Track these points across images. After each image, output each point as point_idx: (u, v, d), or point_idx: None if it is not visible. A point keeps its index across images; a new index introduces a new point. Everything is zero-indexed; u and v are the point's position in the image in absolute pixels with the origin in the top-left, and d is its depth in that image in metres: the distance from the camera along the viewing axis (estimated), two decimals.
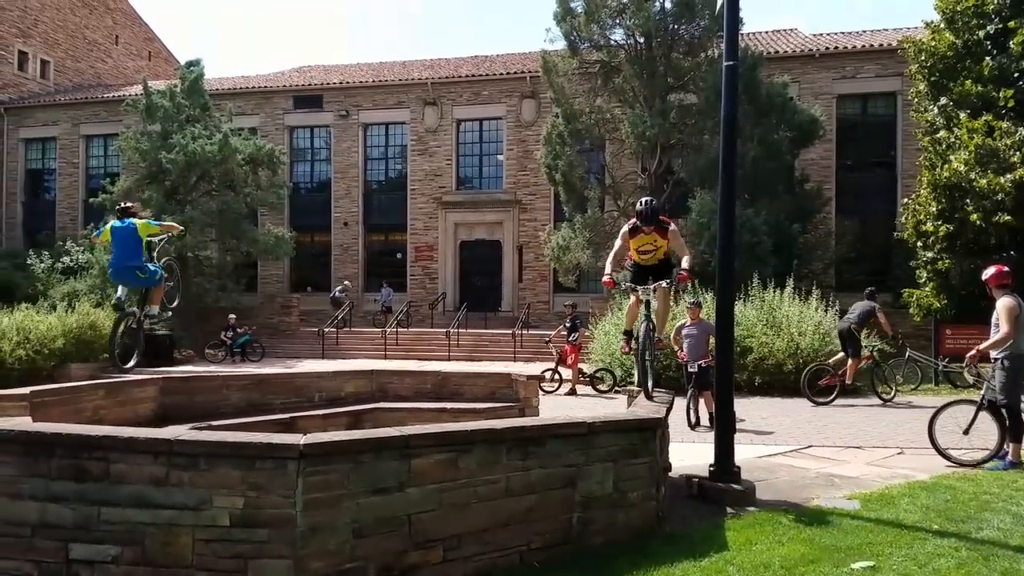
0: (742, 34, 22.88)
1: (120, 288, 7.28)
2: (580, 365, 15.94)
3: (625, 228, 6.84)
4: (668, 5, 21.45)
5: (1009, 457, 7.37)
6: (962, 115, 16.03)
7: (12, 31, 32.72)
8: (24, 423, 4.72)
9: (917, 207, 16.55)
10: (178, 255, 22.31)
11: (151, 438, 4.11)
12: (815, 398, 12.73)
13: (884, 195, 24.66)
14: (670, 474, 6.22)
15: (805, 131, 21.42)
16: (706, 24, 21.10)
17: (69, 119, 32.34)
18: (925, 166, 16.64)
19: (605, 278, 6.93)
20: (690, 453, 7.63)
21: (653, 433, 5.32)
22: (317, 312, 27.25)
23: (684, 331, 10.85)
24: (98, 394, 6.91)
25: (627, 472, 5.05)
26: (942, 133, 16.43)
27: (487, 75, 28.62)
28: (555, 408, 11.31)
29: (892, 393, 13.12)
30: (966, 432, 7.65)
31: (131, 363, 7.32)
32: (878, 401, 12.94)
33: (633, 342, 7.09)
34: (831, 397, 12.76)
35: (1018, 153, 14.99)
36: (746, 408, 11.40)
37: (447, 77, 29.06)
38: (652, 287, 6.82)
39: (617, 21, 21.69)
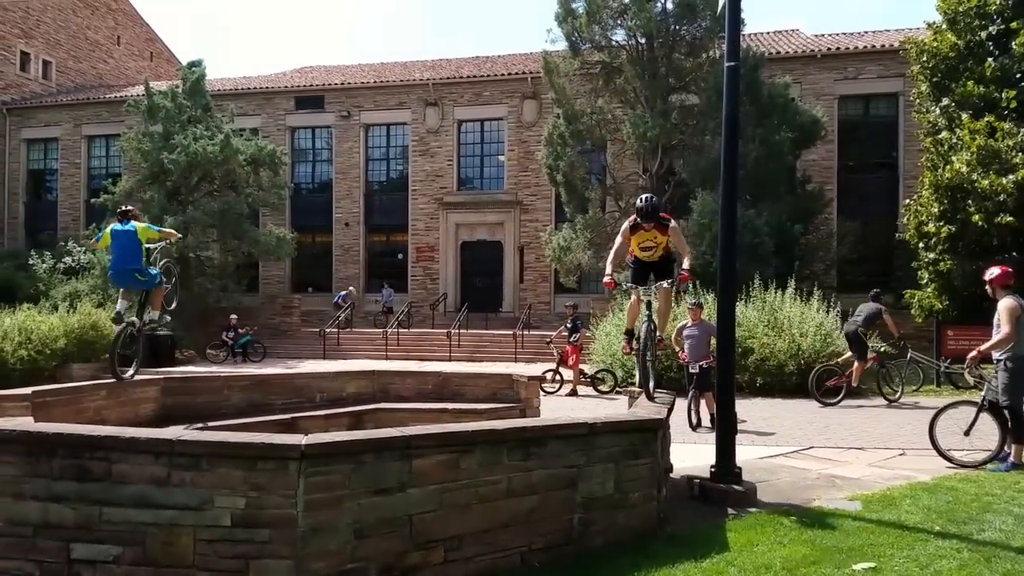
0: (744, 35, 22.88)
1: (120, 301, 7.32)
2: (581, 366, 15.93)
3: (626, 225, 6.82)
4: (669, 6, 21.47)
5: (1011, 458, 7.36)
6: (964, 116, 16.02)
7: (14, 31, 32.77)
8: (26, 423, 4.72)
9: (919, 208, 16.54)
10: (179, 255, 22.35)
11: (153, 438, 4.11)
12: (823, 399, 12.73)
13: (886, 196, 24.66)
14: (671, 475, 6.22)
15: (807, 132, 21.42)
16: (707, 25, 21.11)
17: (71, 119, 32.38)
18: (927, 167, 16.63)
19: (606, 279, 6.92)
20: (691, 454, 7.61)
21: (654, 434, 5.31)
22: (318, 313, 27.27)
23: (685, 332, 10.84)
24: (100, 394, 6.92)
25: (628, 473, 5.05)
26: (944, 134, 16.41)
27: (488, 76, 28.63)
28: (556, 409, 11.30)
29: (898, 394, 13.12)
30: (967, 433, 7.65)
31: (130, 372, 7.31)
32: (883, 402, 12.94)
33: (634, 342, 7.08)
34: (838, 398, 12.76)
35: (1020, 154, 14.98)
36: (747, 409, 11.39)
37: (448, 78, 29.08)
38: (653, 287, 6.82)
39: (618, 22, 21.69)
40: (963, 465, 7.50)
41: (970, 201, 15.24)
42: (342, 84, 29.95)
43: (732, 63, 6.39)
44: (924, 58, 17.12)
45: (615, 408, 12.19)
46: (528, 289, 27.94)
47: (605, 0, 21.24)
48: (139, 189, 24.96)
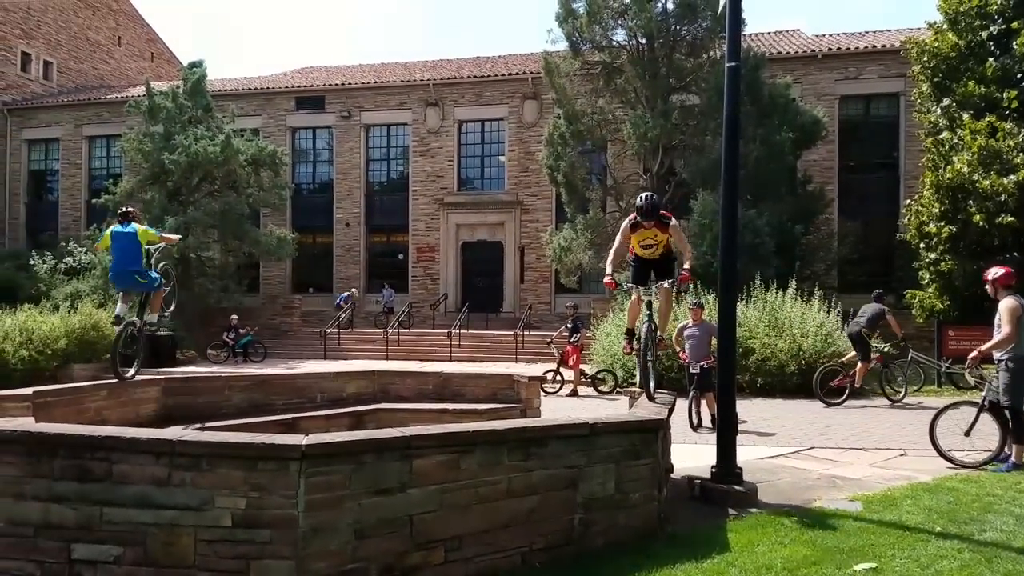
0: (744, 35, 22.87)
1: (120, 303, 7.34)
2: (582, 366, 15.93)
3: (625, 224, 6.79)
4: (670, 6, 21.48)
5: (1012, 459, 7.35)
6: (965, 116, 16.01)
7: (15, 32, 32.79)
8: (27, 424, 4.72)
9: (920, 208, 16.53)
10: (180, 256, 22.37)
11: (153, 439, 4.12)
12: (827, 399, 12.72)
13: (887, 196, 24.65)
14: (672, 475, 6.22)
15: (808, 132, 21.42)
16: (708, 25, 21.12)
17: (72, 120, 32.40)
18: (928, 167, 16.62)
19: (607, 279, 6.91)
20: (692, 454, 7.61)
21: (655, 434, 5.31)
22: (319, 313, 27.28)
23: (686, 332, 10.84)
24: (101, 395, 6.93)
25: (629, 473, 5.05)
26: (945, 134, 16.41)
27: (489, 76, 28.64)
28: (557, 409, 11.30)
29: (901, 394, 13.12)
30: (967, 434, 7.64)
31: (131, 372, 7.34)
32: (885, 402, 12.95)
33: (635, 343, 7.07)
34: (842, 398, 12.76)
35: (1021, 154, 14.96)
36: (748, 409, 11.39)
37: (449, 78, 29.09)
38: (654, 287, 6.81)
39: (619, 22, 21.70)
40: (964, 465, 7.50)
41: (971, 201, 15.24)
42: (343, 84, 29.96)
43: (733, 63, 6.39)
44: (925, 58, 17.11)
45: (616, 408, 12.19)
46: (529, 289, 27.94)
47: (606, 0, 21.25)
48: (140, 189, 24.98)
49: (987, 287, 7.84)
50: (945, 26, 17.00)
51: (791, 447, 9.08)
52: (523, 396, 8.53)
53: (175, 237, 7.97)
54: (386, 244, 30.41)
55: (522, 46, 69.94)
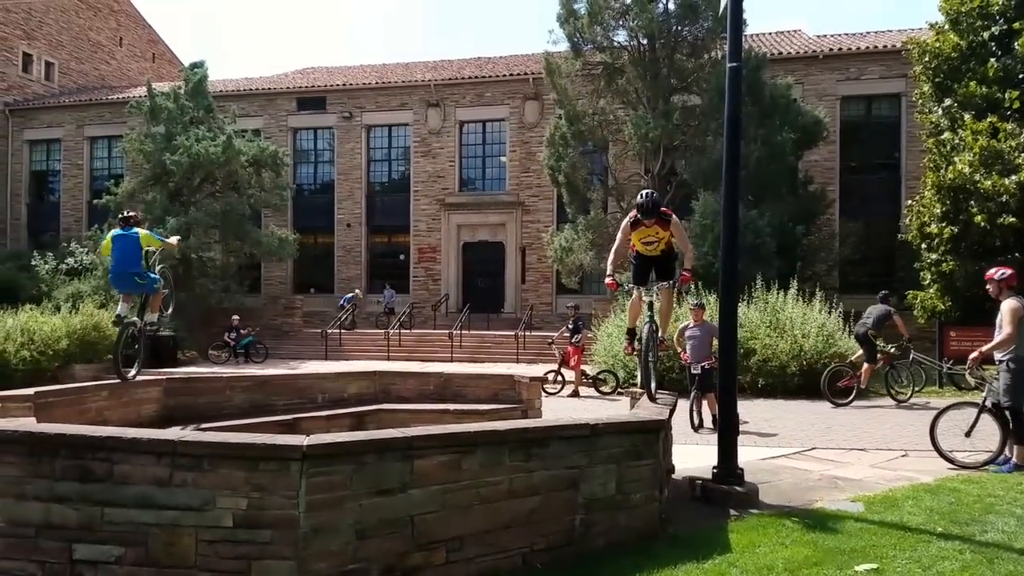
0: (745, 35, 22.84)
1: (120, 305, 7.38)
2: (583, 367, 15.92)
3: (626, 222, 6.77)
4: (671, 6, 21.48)
5: (1014, 460, 7.35)
6: (967, 116, 16.00)
7: (17, 33, 32.82)
8: (28, 424, 4.73)
9: (921, 209, 16.52)
10: (181, 256, 22.37)
11: (155, 439, 4.12)
12: (835, 399, 12.72)
13: (888, 197, 24.63)
14: (673, 476, 6.21)
15: (809, 132, 21.41)
16: (709, 25, 21.11)
17: (73, 121, 32.42)
18: (929, 168, 16.61)
19: (608, 280, 6.90)
20: (693, 455, 7.61)
21: (656, 435, 5.31)
22: (320, 313, 27.30)
23: (687, 333, 10.84)
24: (102, 395, 6.93)
25: (630, 474, 5.05)
26: (946, 135, 16.39)
27: (490, 77, 28.64)
28: (558, 410, 11.31)
29: (908, 395, 13.12)
30: (968, 434, 7.64)
31: (133, 372, 7.37)
32: (889, 402, 12.96)
33: (636, 343, 7.06)
34: (850, 398, 12.77)
35: (1022, 155, 14.95)
36: (749, 410, 11.39)
37: (450, 79, 29.10)
38: (655, 287, 6.79)
39: (620, 22, 21.70)
40: (965, 466, 7.49)
41: (972, 202, 15.22)
42: (344, 85, 29.97)
43: (734, 64, 6.39)
44: (926, 58, 17.10)
45: (617, 409, 12.18)
46: (530, 290, 27.94)
47: (607, 1, 21.25)
48: (141, 190, 25.01)
49: (989, 287, 7.83)
50: (946, 26, 16.98)
51: (792, 448, 9.07)
52: (524, 397, 8.53)
53: (174, 241, 8.00)
54: (387, 245, 30.42)
55: (523, 47, 69.97)
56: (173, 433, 4.44)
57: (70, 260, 26.08)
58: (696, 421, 10.49)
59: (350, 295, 26.85)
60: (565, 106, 22.17)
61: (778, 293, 15.76)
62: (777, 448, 9.03)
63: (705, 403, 10.51)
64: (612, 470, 4.95)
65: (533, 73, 26.72)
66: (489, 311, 26.90)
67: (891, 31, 27.15)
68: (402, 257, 29.74)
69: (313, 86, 30.40)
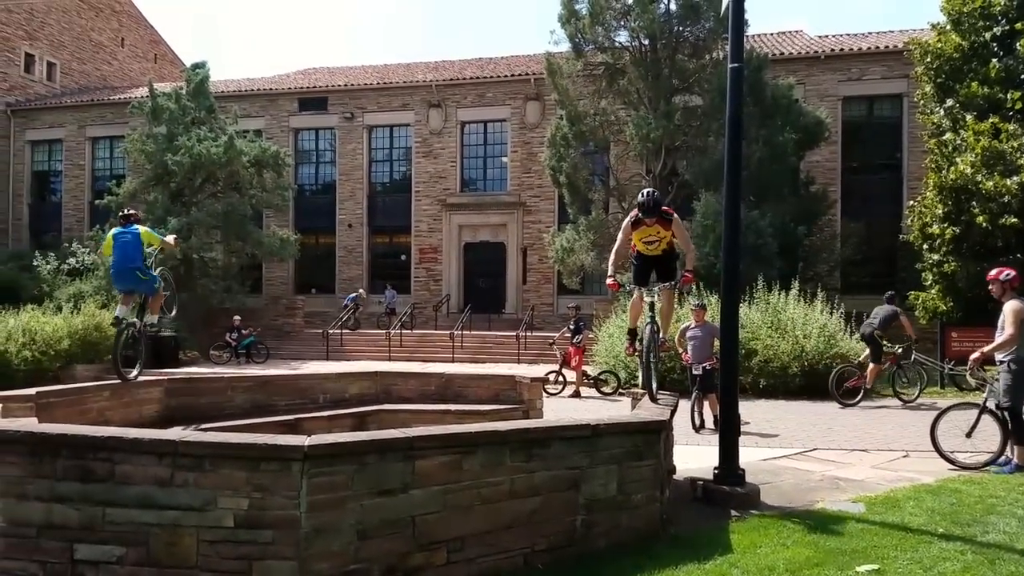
0: (747, 36, 22.83)
1: (120, 306, 7.39)
2: (584, 367, 15.93)
3: (627, 221, 6.74)
4: (673, 7, 21.48)
5: (1014, 460, 7.34)
6: (968, 117, 15.99)
7: (19, 33, 32.86)
8: (30, 424, 4.73)
9: (923, 209, 16.51)
10: (183, 257, 22.40)
11: (156, 439, 4.12)
12: (843, 400, 12.72)
13: (890, 197, 24.61)
14: (675, 476, 6.21)
15: (811, 133, 21.40)
16: (711, 26, 21.10)
17: (75, 121, 32.46)
18: (931, 168, 16.60)
19: (609, 280, 6.90)
20: (694, 455, 7.61)
21: (657, 435, 5.31)
22: (322, 314, 27.31)
23: (688, 333, 10.84)
24: (103, 395, 6.94)
25: (631, 474, 5.04)
26: (948, 135, 16.38)
27: (491, 77, 28.64)
28: (559, 410, 11.31)
29: (915, 395, 13.11)
30: (968, 435, 7.63)
31: (134, 373, 7.36)
32: (893, 403, 12.96)
33: (637, 343, 7.06)
34: (857, 399, 12.77)
35: None
36: (751, 411, 11.38)
37: (451, 79, 29.11)
38: (656, 288, 6.78)
39: (622, 23, 21.71)
40: (966, 467, 7.49)
41: (974, 202, 15.22)
42: (345, 86, 29.99)
43: (736, 64, 6.39)
44: (928, 59, 17.09)
45: (618, 409, 12.18)
46: (531, 290, 27.94)
47: (608, 1, 21.25)
48: (143, 190, 25.03)
49: (992, 288, 7.82)
50: (948, 27, 16.97)
51: (794, 448, 9.07)
52: (525, 397, 8.53)
53: (172, 239, 8.02)
54: (388, 245, 30.43)
55: (524, 47, 69.98)
56: (174, 433, 4.44)
57: (72, 260, 26.10)
58: (697, 422, 10.48)
59: (353, 295, 26.85)
60: (566, 106, 22.18)
61: (779, 294, 15.75)
62: (778, 449, 9.03)
63: (706, 404, 10.50)
64: (613, 471, 4.95)
65: (534, 73, 26.72)
66: (490, 312, 26.91)
67: (893, 31, 27.13)
68: (403, 257, 29.75)
69: (315, 87, 30.42)
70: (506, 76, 28.42)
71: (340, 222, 29.94)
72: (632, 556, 4.73)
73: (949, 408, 8.02)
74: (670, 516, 5.46)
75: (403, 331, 24.39)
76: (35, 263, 26.21)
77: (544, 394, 10.19)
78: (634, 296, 7.06)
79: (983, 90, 16.00)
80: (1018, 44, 15.79)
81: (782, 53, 25.57)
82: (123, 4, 38.30)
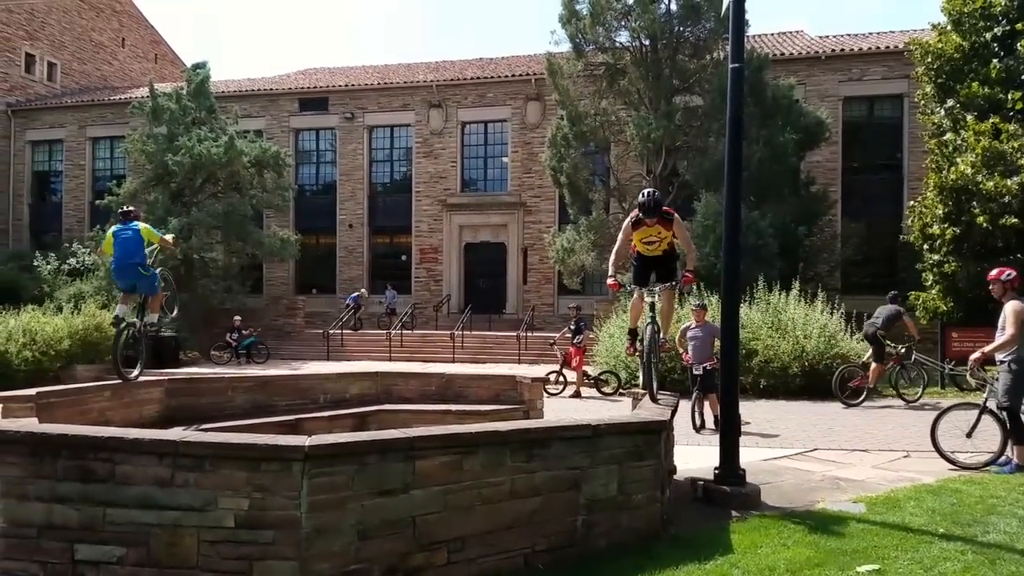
0: (748, 36, 22.84)
1: (119, 306, 7.39)
2: (585, 367, 15.94)
3: (627, 221, 6.73)
4: (674, 7, 21.49)
5: (1015, 460, 7.33)
6: (969, 117, 15.99)
7: (19, 33, 32.87)
8: (30, 424, 4.73)
9: (923, 210, 16.51)
10: (184, 257, 22.41)
11: (156, 439, 4.12)
12: (846, 400, 12.72)
13: (890, 197, 24.62)
14: (675, 477, 6.21)
15: (811, 133, 21.40)
16: (712, 26, 21.10)
17: (75, 121, 32.47)
18: (931, 168, 16.60)
19: (610, 280, 6.89)
20: (695, 456, 7.61)
21: (658, 436, 5.31)
22: (322, 314, 27.32)
23: (689, 333, 10.84)
24: (104, 395, 6.94)
25: (632, 475, 5.04)
26: (949, 135, 16.38)
27: (492, 77, 28.64)
28: (559, 410, 11.30)
29: (919, 395, 13.11)
30: (969, 435, 7.62)
31: (135, 373, 7.36)
32: (894, 403, 12.97)
33: (638, 344, 7.05)
34: (861, 399, 12.77)
35: None
36: (751, 411, 11.38)
37: (452, 79, 29.11)
38: (657, 288, 6.78)
39: (622, 23, 21.71)
40: (966, 467, 7.48)
41: (975, 203, 15.21)
42: (346, 86, 30.00)
43: (736, 65, 6.38)
44: (929, 59, 17.09)
45: (619, 410, 12.18)
46: (532, 291, 27.94)
47: (609, 2, 21.25)
48: (143, 191, 25.03)
49: (993, 288, 7.82)
50: (949, 27, 16.97)
51: (794, 448, 9.06)
52: (526, 397, 8.53)
53: (170, 238, 8.05)
54: (389, 245, 30.43)
55: (525, 47, 69.96)
56: (175, 433, 4.45)
57: (72, 261, 26.11)
58: (698, 422, 10.48)
59: (356, 294, 26.85)
60: (567, 107, 22.18)
61: (780, 294, 15.75)
62: (779, 449, 9.03)
63: (707, 404, 10.50)
64: (614, 471, 4.95)
65: (535, 74, 26.73)
66: (491, 312, 26.91)
67: (893, 32, 27.13)
68: (404, 258, 29.76)
69: (315, 87, 30.43)
70: (507, 76, 28.42)
71: (341, 222, 29.95)
72: (633, 556, 4.73)
73: (949, 408, 8.02)
74: (671, 516, 5.45)
75: (404, 331, 24.39)
76: (35, 263, 26.23)
77: (545, 394, 10.20)
78: (634, 296, 7.05)
79: (984, 90, 15.99)
80: (1019, 44, 15.78)
81: (783, 53, 25.57)
82: (124, 4, 38.32)
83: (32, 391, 6.52)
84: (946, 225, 15.75)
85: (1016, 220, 14.70)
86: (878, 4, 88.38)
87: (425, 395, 8.86)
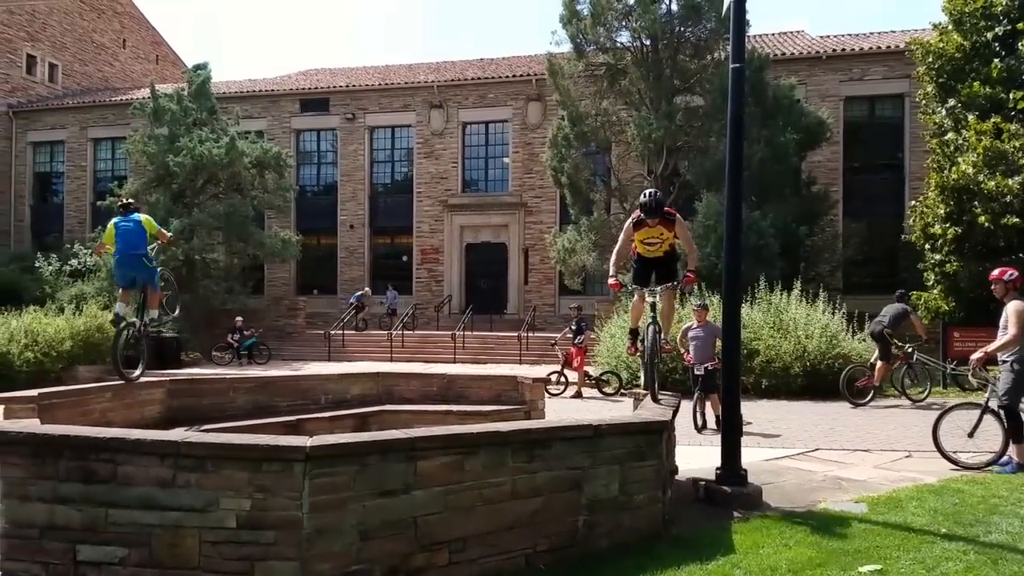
0: (749, 36, 22.84)
1: (119, 304, 7.38)
2: (586, 368, 15.93)
3: (629, 222, 6.71)
4: (674, 7, 21.50)
5: (1016, 459, 7.33)
6: (970, 117, 15.99)
7: (21, 35, 32.91)
8: (32, 425, 4.73)
9: (925, 209, 16.50)
10: (185, 258, 22.43)
11: (158, 440, 4.13)
12: (853, 399, 12.71)
13: (892, 197, 24.61)
14: (677, 477, 6.20)
15: (812, 133, 21.40)
16: (712, 26, 21.11)
17: (77, 122, 32.51)
18: (933, 168, 16.59)
19: (611, 280, 6.88)
20: (696, 456, 7.60)
21: (659, 436, 5.30)
22: (323, 315, 27.34)
23: (690, 333, 10.82)
24: (105, 396, 6.94)
25: (633, 475, 5.04)
26: (950, 135, 16.38)
27: (493, 78, 28.66)
28: (561, 411, 11.29)
29: (925, 395, 13.10)
30: (970, 435, 7.61)
31: (136, 373, 7.33)
32: (898, 403, 12.95)
33: (639, 344, 7.05)
34: (868, 398, 12.76)
35: None
36: (753, 411, 11.36)
37: (453, 80, 29.12)
38: (658, 288, 6.77)
39: (623, 24, 21.72)
40: (968, 467, 7.47)
41: (976, 202, 15.21)
42: (347, 86, 30.02)
43: (737, 65, 6.37)
44: (930, 59, 17.09)
45: (620, 410, 12.16)
46: (533, 291, 27.94)
47: (610, 2, 21.26)
48: (145, 191, 25.05)
49: (995, 288, 7.81)
50: (950, 27, 16.97)
51: (796, 449, 9.05)
52: (527, 398, 8.53)
53: (169, 234, 8.08)
54: (390, 246, 30.45)
55: (525, 48, 70.00)
56: (176, 434, 4.45)
57: (74, 262, 26.11)
58: (699, 422, 10.47)
59: (359, 293, 26.85)
60: (568, 107, 22.18)
61: (781, 294, 15.74)
62: (781, 449, 9.02)
63: (708, 404, 10.49)
64: (615, 471, 4.94)
65: (536, 74, 26.74)
66: (492, 312, 26.92)
67: (894, 32, 27.13)
68: (405, 258, 29.78)
69: (316, 87, 30.45)
70: (507, 77, 28.43)
71: (342, 223, 29.97)
72: (634, 557, 4.72)
73: (951, 408, 8.01)
74: (672, 516, 5.45)
75: (405, 332, 24.40)
76: (37, 264, 26.24)
77: (546, 395, 10.20)
78: (635, 296, 7.03)
79: (985, 90, 15.99)
80: (1020, 44, 15.80)
81: (783, 53, 25.57)
82: (125, 5, 38.35)
83: (34, 392, 6.52)
84: (947, 225, 15.75)
85: (1018, 220, 14.69)
86: (879, 4, 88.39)
87: (426, 396, 8.86)
